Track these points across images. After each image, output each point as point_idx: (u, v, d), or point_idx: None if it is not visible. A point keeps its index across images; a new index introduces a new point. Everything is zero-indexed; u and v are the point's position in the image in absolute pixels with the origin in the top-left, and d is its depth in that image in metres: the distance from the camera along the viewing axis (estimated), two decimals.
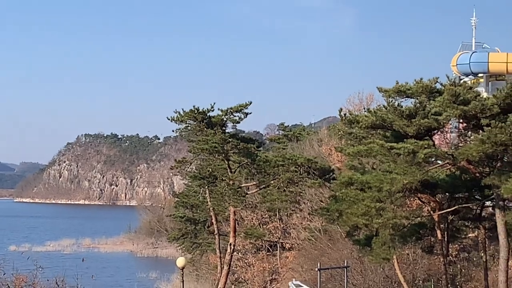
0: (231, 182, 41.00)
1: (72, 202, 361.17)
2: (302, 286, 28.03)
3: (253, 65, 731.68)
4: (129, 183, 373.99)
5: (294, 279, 33.20)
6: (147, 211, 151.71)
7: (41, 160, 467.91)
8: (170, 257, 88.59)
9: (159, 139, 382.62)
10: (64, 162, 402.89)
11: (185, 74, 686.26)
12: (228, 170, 41.56)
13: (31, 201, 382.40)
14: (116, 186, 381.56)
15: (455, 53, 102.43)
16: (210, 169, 43.67)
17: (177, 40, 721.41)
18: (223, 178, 41.89)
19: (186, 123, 41.87)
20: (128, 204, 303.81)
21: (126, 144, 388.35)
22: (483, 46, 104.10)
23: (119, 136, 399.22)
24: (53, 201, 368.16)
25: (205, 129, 41.41)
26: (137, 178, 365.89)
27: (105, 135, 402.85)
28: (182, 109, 41.60)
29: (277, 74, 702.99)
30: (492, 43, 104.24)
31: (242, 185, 41.69)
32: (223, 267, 42.77)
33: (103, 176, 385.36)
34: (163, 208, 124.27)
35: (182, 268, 38.58)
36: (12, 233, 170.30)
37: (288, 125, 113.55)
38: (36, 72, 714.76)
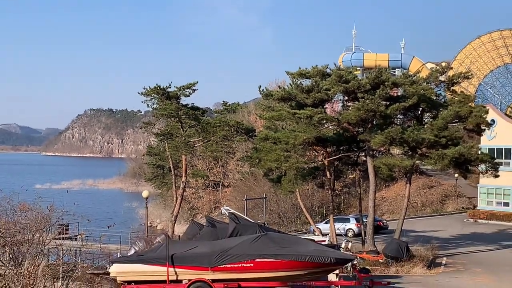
0: (183, 138, 39.77)
1: (81, 155, 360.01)
2: (230, 210, 26.78)
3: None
4: (120, 142, 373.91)
5: (225, 206, 31.99)
6: (132, 161, 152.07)
7: (60, 126, 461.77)
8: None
9: (141, 112, 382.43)
10: (75, 127, 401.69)
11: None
12: (181, 129, 40.51)
13: (53, 154, 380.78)
14: (112, 144, 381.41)
15: (341, 53, 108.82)
16: (168, 129, 42.39)
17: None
18: (177, 135, 40.91)
19: (151, 96, 40.45)
20: (120, 156, 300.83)
21: (119, 115, 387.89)
22: (360, 49, 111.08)
23: (114, 110, 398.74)
24: (68, 155, 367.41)
25: (164, 100, 39.96)
26: (126, 139, 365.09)
27: (103, 109, 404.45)
28: (149, 86, 40.43)
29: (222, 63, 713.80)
30: (366, 46, 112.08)
31: (191, 140, 40.44)
32: (178, 198, 41.70)
33: (103, 137, 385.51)
34: (142, 159, 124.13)
35: (146, 198, 38.07)
36: (39, 176, 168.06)
37: (228, 102, 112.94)
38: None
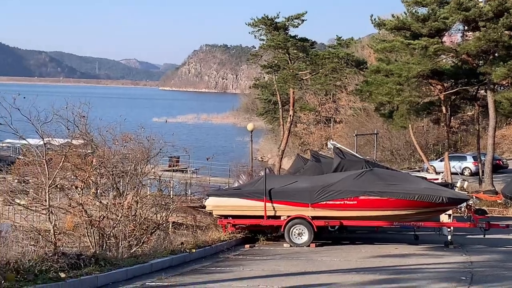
0: (290, 70, 38.38)
1: (197, 90, 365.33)
2: (337, 145, 25.42)
3: None
4: (234, 78, 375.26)
5: (331, 140, 30.70)
6: (245, 96, 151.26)
7: (176, 61, 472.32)
8: (259, 127, 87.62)
9: (255, 47, 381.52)
10: (191, 63, 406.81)
11: None
12: (289, 61, 39.08)
13: (170, 89, 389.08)
14: (226, 79, 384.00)
15: None
16: (276, 61, 41.05)
17: None
18: (285, 67, 39.40)
19: (259, 27, 39.22)
20: (233, 92, 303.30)
21: (233, 51, 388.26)
22: None
23: (229, 46, 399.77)
24: (184, 89, 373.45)
25: (272, 31, 38.61)
26: (240, 74, 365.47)
27: (218, 45, 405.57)
28: (256, 17, 39.09)
29: None
30: None
31: (299, 73, 39.00)
32: (285, 132, 40.63)
33: (217, 73, 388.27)
34: (255, 94, 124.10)
35: (251, 131, 37.19)
36: (156, 109, 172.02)
37: (342, 37, 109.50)
38: None
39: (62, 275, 10.58)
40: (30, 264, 10.69)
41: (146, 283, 12.12)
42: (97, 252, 16.90)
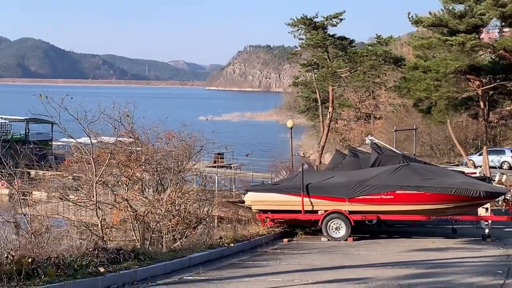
0: (329, 68, 37.86)
1: (241, 89, 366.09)
2: (374, 140, 24.95)
3: None
4: (277, 77, 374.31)
5: (369, 136, 30.16)
6: (287, 95, 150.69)
7: (222, 62, 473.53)
8: (301, 124, 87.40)
9: (297, 47, 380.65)
10: (236, 63, 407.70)
11: None
12: (328, 60, 38.51)
13: (216, 89, 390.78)
14: (269, 79, 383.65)
15: None
16: (315, 59, 40.53)
17: None
18: (324, 66, 38.94)
19: (298, 27, 38.85)
20: (277, 90, 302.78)
21: (276, 51, 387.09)
22: None
23: (271, 46, 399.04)
24: (229, 89, 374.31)
25: (311, 30, 38.15)
26: (283, 73, 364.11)
27: (262, 45, 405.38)
28: (296, 17, 38.75)
29: None
30: None
31: (338, 71, 38.44)
32: (325, 128, 40.12)
33: (261, 72, 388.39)
34: (297, 92, 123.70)
35: (291, 128, 36.63)
36: (202, 108, 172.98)
37: (381, 36, 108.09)
38: None
39: (101, 269, 10.44)
40: (71, 259, 10.59)
41: (184, 277, 11.92)
42: (142, 245, 16.87)
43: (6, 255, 9.64)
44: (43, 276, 9.55)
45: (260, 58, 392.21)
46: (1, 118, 74.34)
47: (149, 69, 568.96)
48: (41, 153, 50.89)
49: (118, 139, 21.06)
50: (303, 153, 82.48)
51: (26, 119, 67.12)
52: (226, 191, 36.57)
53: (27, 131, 74.74)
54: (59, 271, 9.91)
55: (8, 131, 75.39)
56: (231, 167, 57.68)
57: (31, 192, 31.25)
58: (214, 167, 56.09)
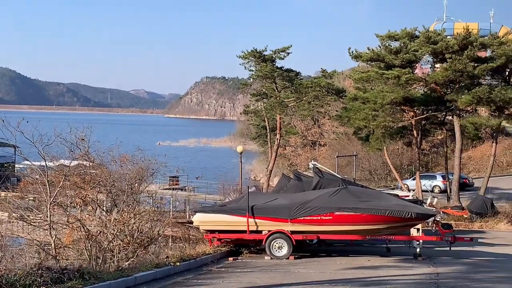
0: (277, 98, 37.82)
1: (198, 117, 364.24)
2: (317, 165, 24.87)
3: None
4: (232, 106, 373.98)
5: (312, 161, 30.08)
6: (240, 122, 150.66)
7: (180, 91, 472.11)
8: (253, 150, 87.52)
9: (248, 79, 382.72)
10: (193, 93, 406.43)
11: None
12: (276, 90, 38.47)
13: (174, 116, 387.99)
14: (224, 108, 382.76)
15: (432, 23, 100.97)
16: (264, 89, 40.43)
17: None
18: (272, 95, 38.84)
19: (249, 59, 38.65)
20: (231, 119, 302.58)
21: (231, 82, 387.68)
22: (451, 19, 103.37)
23: (226, 78, 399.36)
24: (187, 117, 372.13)
25: (260, 62, 38.04)
26: (236, 103, 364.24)
27: (218, 77, 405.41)
28: (246, 50, 38.49)
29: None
30: (456, 17, 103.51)
31: (285, 100, 38.41)
32: (272, 154, 40.05)
33: (217, 102, 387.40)
34: (249, 120, 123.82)
35: (241, 152, 36.36)
36: (161, 134, 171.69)
37: (326, 69, 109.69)
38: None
39: None
40: (15, 278, 10.01)
41: None
42: (93, 265, 16.27)
43: None
44: None
45: (215, 89, 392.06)
46: None
47: (111, 97, 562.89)
48: (4, 175, 49.45)
49: (73, 162, 20.53)
50: (254, 177, 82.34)
51: None
52: (179, 212, 35.99)
53: None
54: None
55: None
56: (185, 189, 57.01)
57: None
58: (169, 189, 55.39)
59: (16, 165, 68.06)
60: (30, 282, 10.03)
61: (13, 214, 24.24)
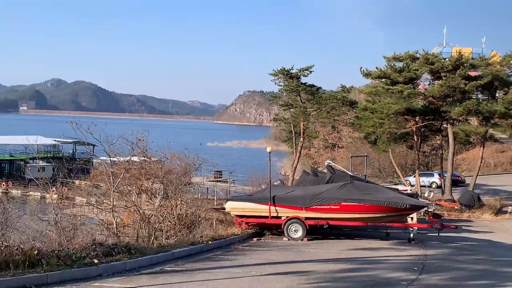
0: (301, 108, 37.53)
1: (241, 123, 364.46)
2: (331, 163, 24.60)
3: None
4: (268, 114, 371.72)
5: (329, 159, 29.69)
6: (275, 128, 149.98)
7: (227, 102, 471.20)
8: (284, 151, 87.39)
9: (278, 92, 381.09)
10: (237, 103, 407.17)
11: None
12: (300, 101, 38.19)
13: (222, 122, 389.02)
14: (262, 116, 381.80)
15: (433, 48, 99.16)
16: (290, 101, 40.19)
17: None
18: (296, 106, 38.53)
19: (278, 76, 38.46)
20: (267, 125, 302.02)
21: (267, 95, 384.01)
22: (449, 44, 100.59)
23: (264, 91, 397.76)
24: (232, 123, 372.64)
25: (288, 79, 37.84)
26: (272, 112, 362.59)
27: (257, 91, 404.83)
28: (277, 69, 38.43)
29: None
30: (455, 42, 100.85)
31: (307, 110, 38.13)
32: (297, 154, 39.88)
33: (256, 111, 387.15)
34: (277, 126, 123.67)
35: (269, 152, 35.67)
36: (210, 137, 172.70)
37: (345, 85, 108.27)
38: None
39: (95, 261, 9.93)
40: (72, 252, 10.07)
41: (165, 268, 11.39)
42: (140, 241, 16.32)
43: (16, 247, 9.14)
44: (45, 266, 9.05)
45: (255, 100, 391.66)
46: (55, 140, 73.64)
47: (172, 106, 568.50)
48: (85, 168, 50.44)
49: (133, 158, 20.71)
50: (284, 172, 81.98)
51: (73, 141, 66.47)
52: (220, 200, 36.03)
53: (74, 150, 74.04)
54: (59, 261, 9.40)
55: (60, 151, 74.81)
56: (226, 181, 57.13)
57: (74, 197, 30.75)
58: (214, 181, 55.63)
59: (94, 160, 69.50)
60: (85, 255, 10.08)
61: (86, 199, 24.64)
